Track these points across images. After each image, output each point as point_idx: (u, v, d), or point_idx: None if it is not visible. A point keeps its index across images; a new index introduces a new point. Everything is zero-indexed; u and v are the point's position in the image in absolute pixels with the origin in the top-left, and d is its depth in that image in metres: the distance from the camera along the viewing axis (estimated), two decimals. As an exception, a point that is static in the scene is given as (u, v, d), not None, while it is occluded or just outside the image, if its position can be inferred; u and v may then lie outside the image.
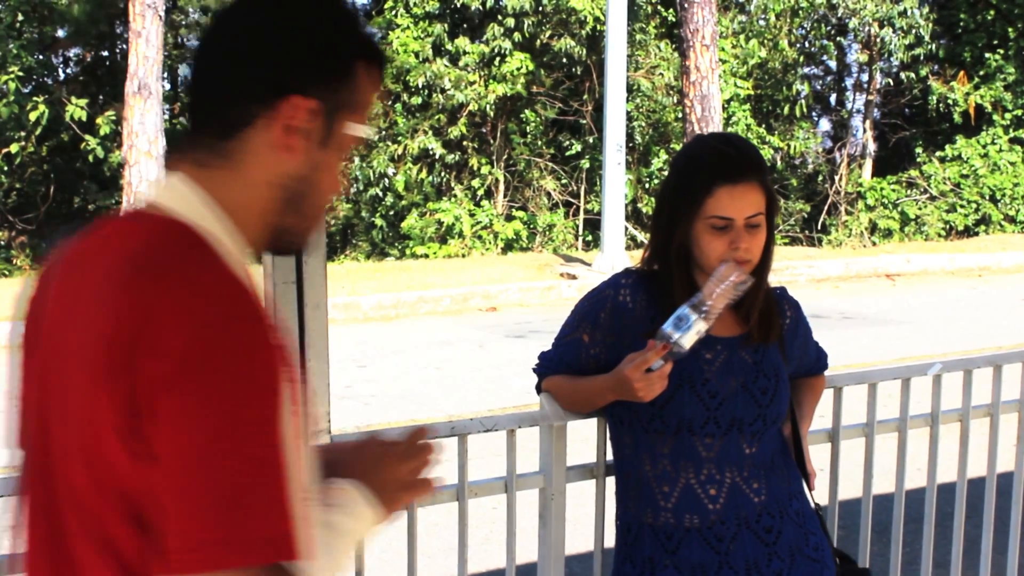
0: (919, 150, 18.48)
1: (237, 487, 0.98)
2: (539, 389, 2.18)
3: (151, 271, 1.03)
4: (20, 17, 15.27)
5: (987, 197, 17.28)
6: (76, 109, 14.68)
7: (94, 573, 1.07)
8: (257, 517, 0.99)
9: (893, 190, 17.61)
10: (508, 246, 15.07)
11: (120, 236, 1.13)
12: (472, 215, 15.27)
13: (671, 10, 16.05)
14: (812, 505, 2.11)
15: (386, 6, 16.14)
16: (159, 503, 0.99)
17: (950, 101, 17.86)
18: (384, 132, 15.79)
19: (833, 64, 20.10)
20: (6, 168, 15.17)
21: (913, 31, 16.82)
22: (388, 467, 1.30)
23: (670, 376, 1.85)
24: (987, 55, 17.97)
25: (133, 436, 1.00)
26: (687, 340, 1.74)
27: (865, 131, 18.68)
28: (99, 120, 14.83)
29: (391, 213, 15.58)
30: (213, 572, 0.97)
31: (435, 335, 9.19)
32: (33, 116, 14.46)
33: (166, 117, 14.61)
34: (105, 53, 17.64)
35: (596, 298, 2.04)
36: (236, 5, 1.18)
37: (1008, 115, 17.92)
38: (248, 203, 1.15)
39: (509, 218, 15.71)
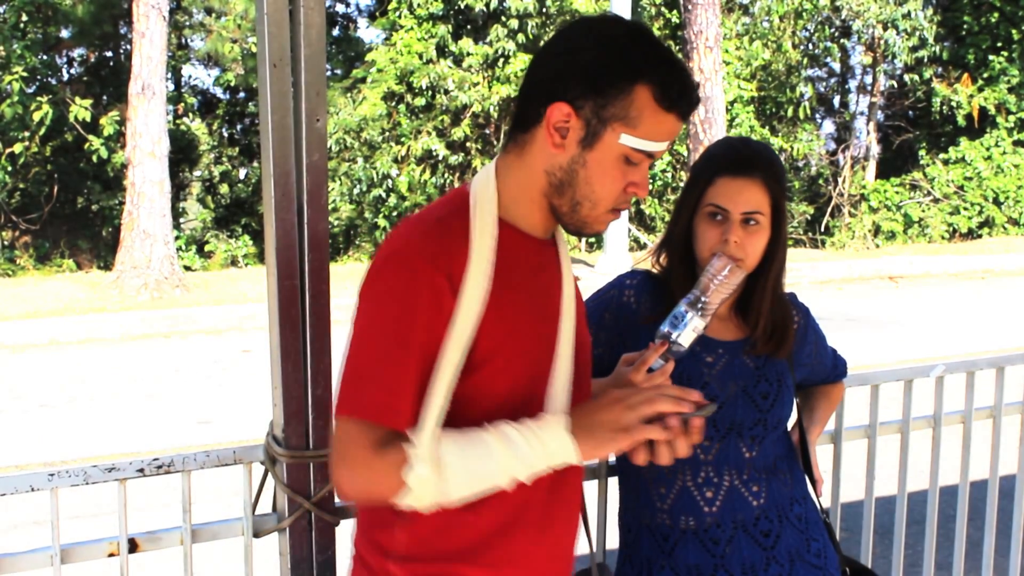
0: (922, 152, 18.47)
1: (365, 365, 1.41)
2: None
3: (411, 217, 1.49)
4: (24, 17, 15.28)
5: (990, 200, 17.27)
6: (80, 109, 14.69)
7: None
8: (372, 388, 1.40)
9: (896, 192, 17.60)
10: (511, 247, 15.04)
11: None
12: (475, 216, 15.24)
13: (675, 12, 16.05)
14: (819, 511, 2.09)
15: (390, 7, 16.15)
16: None
17: (954, 103, 17.85)
18: (387, 133, 15.81)
19: (837, 66, 20.09)
20: (10, 168, 15.18)
21: (917, 33, 16.81)
22: (615, 409, 1.43)
23: (669, 378, 1.84)
24: (991, 57, 17.95)
25: None
26: (685, 338, 1.72)
27: (868, 133, 18.67)
28: (103, 120, 14.85)
29: (394, 214, 15.59)
30: (338, 417, 1.42)
31: (438, 336, 9.15)
32: (37, 116, 14.47)
33: (169, 118, 14.63)
34: (109, 54, 17.65)
35: (600, 299, 2.04)
36: (565, 29, 1.50)
37: (1012, 118, 17.90)
38: (524, 183, 1.50)
39: (512, 219, 15.68)
